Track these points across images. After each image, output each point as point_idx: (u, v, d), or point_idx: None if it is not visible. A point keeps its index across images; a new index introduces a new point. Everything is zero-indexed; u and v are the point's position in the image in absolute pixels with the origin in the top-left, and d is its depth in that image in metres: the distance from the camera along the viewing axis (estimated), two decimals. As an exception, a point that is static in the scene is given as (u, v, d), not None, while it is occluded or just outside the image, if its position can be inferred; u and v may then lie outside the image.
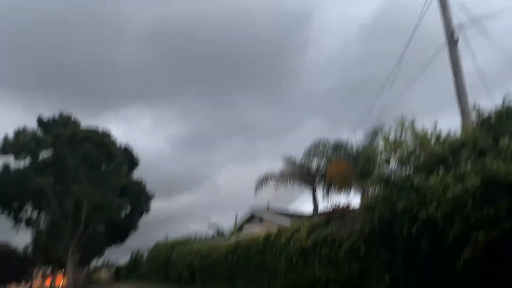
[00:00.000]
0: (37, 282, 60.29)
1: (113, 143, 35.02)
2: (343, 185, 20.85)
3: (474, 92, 11.27)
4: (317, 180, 24.59)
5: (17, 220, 35.35)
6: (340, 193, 22.58)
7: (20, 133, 32.56)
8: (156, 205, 39.67)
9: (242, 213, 28.20)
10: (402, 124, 7.94)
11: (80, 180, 32.26)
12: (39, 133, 33.74)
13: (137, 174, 37.81)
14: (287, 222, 16.33)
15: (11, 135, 32.28)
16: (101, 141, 33.56)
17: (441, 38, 11.73)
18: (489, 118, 7.40)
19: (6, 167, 33.27)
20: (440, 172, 6.55)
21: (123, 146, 36.84)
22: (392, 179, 7.58)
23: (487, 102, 7.95)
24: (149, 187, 37.48)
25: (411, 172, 7.45)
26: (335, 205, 12.25)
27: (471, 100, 9.72)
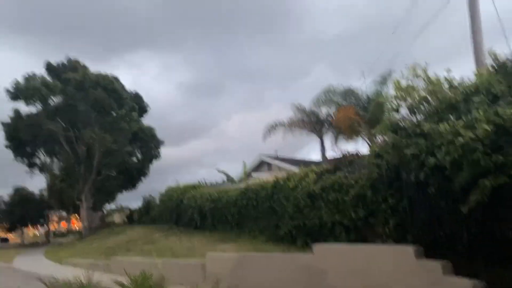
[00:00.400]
0: (53, 225, 63.01)
1: (122, 89, 35.03)
2: (351, 132, 20.86)
3: (490, 38, 10.90)
4: (325, 127, 24.60)
5: (31, 165, 36.33)
6: (349, 140, 22.66)
7: (29, 79, 32.55)
8: (166, 152, 40.31)
9: (251, 161, 28.64)
10: (414, 70, 7.75)
11: (91, 125, 32.67)
12: (49, 78, 33.69)
13: (146, 120, 38.13)
14: (295, 169, 16.56)
15: (20, 81, 32.30)
16: (111, 86, 33.50)
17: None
18: (504, 64, 7.18)
19: (17, 112, 33.68)
20: (451, 119, 6.50)
21: (132, 92, 36.84)
22: (401, 125, 7.54)
23: (504, 48, 7.69)
24: (160, 135, 37.92)
25: (422, 119, 7.38)
26: (343, 152, 12.32)
27: (487, 46, 9.41)
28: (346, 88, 22.91)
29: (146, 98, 37.87)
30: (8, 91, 31.85)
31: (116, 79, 34.87)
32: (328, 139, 24.76)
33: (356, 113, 20.70)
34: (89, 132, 32.49)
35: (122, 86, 35.30)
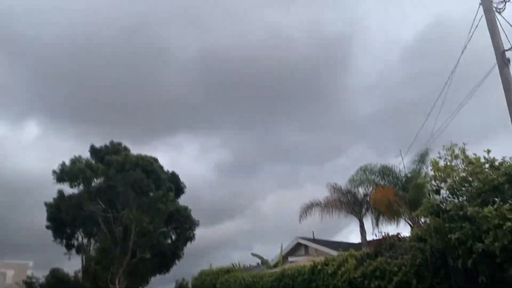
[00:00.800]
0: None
1: (161, 169, 36.04)
2: (391, 213, 20.13)
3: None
4: (364, 208, 23.91)
5: (69, 246, 36.76)
6: (389, 222, 21.77)
7: (75, 161, 34.24)
8: (200, 233, 39.96)
9: (287, 242, 27.81)
10: (452, 150, 7.60)
11: (130, 206, 33.28)
12: (92, 161, 35.31)
13: (183, 201, 38.49)
14: (334, 253, 15.87)
15: (67, 163, 33.98)
16: (149, 167, 34.62)
17: (491, 57, 11.27)
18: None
19: (61, 193, 34.97)
20: (496, 201, 6.17)
21: (170, 173, 37.80)
22: (443, 208, 7.21)
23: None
24: (195, 215, 37.94)
25: (464, 201, 7.06)
26: (384, 235, 11.77)
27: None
28: (383, 166, 22.57)
29: (183, 178, 38.60)
30: (54, 172, 33.51)
31: (155, 160, 36.06)
32: (367, 220, 23.90)
33: (395, 193, 20.12)
34: (127, 213, 33.01)
35: (161, 167, 36.32)
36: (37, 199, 35.80)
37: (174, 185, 37.03)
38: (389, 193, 19.98)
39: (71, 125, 57.41)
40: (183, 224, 37.31)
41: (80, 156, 34.87)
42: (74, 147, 57.92)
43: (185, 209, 37.70)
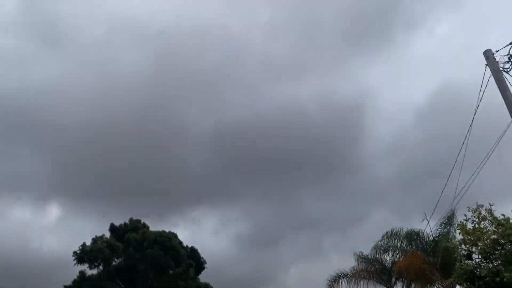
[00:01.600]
0: None
1: (180, 245, 35.41)
2: (422, 281, 19.06)
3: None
4: (394, 277, 22.75)
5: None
6: (421, 290, 20.57)
7: (96, 241, 34.00)
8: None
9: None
10: (478, 211, 7.32)
11: (149, 284, 32.41)
12: (112, 240, 34.98)
13: (204, 277, 37.34)
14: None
15: (87, 243, 33.66)
16: (168, 243, 34.08)
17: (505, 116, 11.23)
18: None
19: (82, 273, 34.36)
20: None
21: (189, 248, 37.14)
22: (478, 273, 6.79)
23: None
24: (216, 289, 36.55)
25: (499, 265, 6.65)
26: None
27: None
28: (409, 231, 21.75)
29: (203, 253, 37.80)
30: (75, 253, 33.20)
31: (174, 236, 35.58)
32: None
33: (424, 259, 19.18)
34: (146, 293, 32.08)
35: (180, 242, 35.72)
36: (59, 282, 35.16)
37: (194, 261, 36.22)
38: (418, 259, 19.05)
39: (92, 206, 57.99)
40: (205, 302, 35.84)
41: (101, 236, 34.72)
42: (96, 227, 58.17)
43: (206, 286, 36.46)
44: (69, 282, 34.57)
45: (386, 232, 21.98)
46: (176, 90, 64.73)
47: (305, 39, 69.41)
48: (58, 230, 57.37)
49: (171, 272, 33.38)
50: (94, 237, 34.18)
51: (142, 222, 36.91)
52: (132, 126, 58.35)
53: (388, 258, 22.72)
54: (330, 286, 23.54)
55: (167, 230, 35.79)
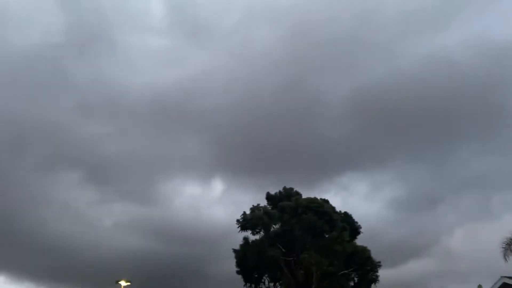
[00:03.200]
0: None
1: (332, 210, 36.08)
2: None
3: None
4: None
5: (257, 291, 38.70)
6: None
7: (254, 210, 36.93)
8: (382, 274, 37.64)
9: (489, 283, 23.96)
10: None
11: (308, 249, 33.72)
12: (269, 207, 37.42)
13: (359, 241, 37.20)
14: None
15: (247, 212, 36.91)
16: (321, 209, 35.02)
17: None
18: None
19: (246, 239, 37.66)
20: None
21: (342, 213, 37.34)
22: None
23: None
24: (374, 255, 36.10)
25: None
26: None
27: None
28: None
29: (356, 218, 37.70)
30: (238, 221, 36.58)
31: (326, 202, 36.44)
32: None
33: None
34: (306, 256, 33.42)
35: (332, 208, 36.35)
36: (227, 247, 39.18)
37: (349, 225, 36.33)
38: None
39: (250, 179, 63.14)
40: (364, 266, 35.83)
41: (258, 205, 37.44)
42: (254, 198, 63.41)
43: (364, 250, 36.29)
44: (237, 247, 38.30)
45: None
46: (311, 63, 64.99)
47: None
48: (223, 202, 64.32)
49: (326, 236, 34.12)
50: (252, 206, 37.03)
51: (294, 190, 38.63)
52: (274, 104, 60.95)
53: None
54: (506, 249, 21.22)
55: (318, 197, 36.82)
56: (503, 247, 21.27)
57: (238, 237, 37.46)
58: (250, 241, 37.57)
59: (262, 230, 36.50)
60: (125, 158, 68.02)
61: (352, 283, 36.37)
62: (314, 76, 66.96)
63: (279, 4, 68.45)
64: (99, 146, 66.23)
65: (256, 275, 38.39)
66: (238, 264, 37.62)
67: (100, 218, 61.92)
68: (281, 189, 39.22)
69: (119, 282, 36.65)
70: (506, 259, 21.06)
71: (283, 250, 35.38)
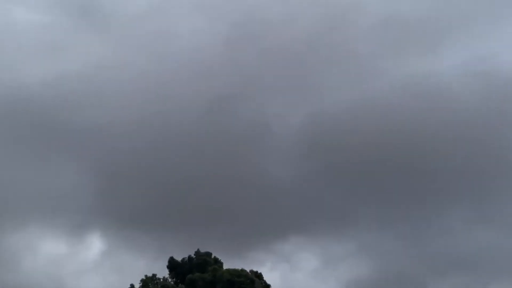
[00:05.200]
0: None
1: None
2: None
3: None
4: None
5: None
6: None
7: (148, 283, 29.71)
8: None
9: None
10: None
11: None
12: (171, 281, 30.55)
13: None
14: None
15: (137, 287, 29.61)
16: (250, 286, 28.64)
17: None
18: None
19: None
20: None
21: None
22: None
23: None
24: None
25: None
26: None
27: None
28: None
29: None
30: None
31: (258, 276, 30.19)
32: None
33: None
34: None
35: (266, 286, 30.29)
36: None
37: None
38: None
39: (145, 236, 48.01)
40: None
41: (154, 275, 30.51)
42: (149, 264, 48.00)
43: None
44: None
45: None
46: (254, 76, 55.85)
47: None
48: (101, 268, 48.42)
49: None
50: (144, 277, 29.76)
51: (213, 256, 31.79)
52: (196, 126, 50.03)
53: None
54: None
55: (247, 269, 30.29)
56: None
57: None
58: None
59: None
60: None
61: None
62: (255, 94, 55.93)
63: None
64: None
65: None
66: None
67: None
68: (192, 253, 31.75)
69: None
70: None
71: None
